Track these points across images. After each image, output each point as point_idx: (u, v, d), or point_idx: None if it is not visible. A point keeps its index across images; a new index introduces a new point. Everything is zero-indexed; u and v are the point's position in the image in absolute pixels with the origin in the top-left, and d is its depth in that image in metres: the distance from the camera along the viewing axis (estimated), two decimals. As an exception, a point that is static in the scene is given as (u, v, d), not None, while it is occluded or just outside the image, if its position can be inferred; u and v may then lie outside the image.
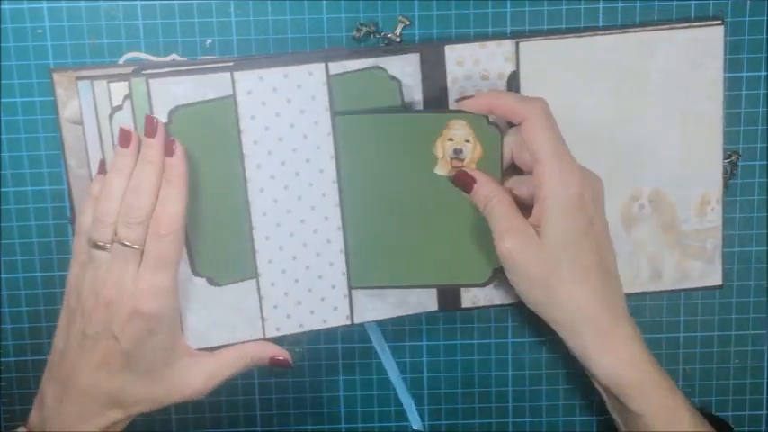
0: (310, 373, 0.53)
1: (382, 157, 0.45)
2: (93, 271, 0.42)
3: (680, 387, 0.51)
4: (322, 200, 0.46)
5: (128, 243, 0.41)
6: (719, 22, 0.47)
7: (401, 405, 0.53)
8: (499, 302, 0.50)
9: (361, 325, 0.49)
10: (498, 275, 0.45)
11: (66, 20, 0.48)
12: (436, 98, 0.47)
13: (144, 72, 0.43)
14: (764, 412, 0.53)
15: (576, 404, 0.53)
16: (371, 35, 0.48)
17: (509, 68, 0.47)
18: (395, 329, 0.52)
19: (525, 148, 0.42)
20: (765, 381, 0.53)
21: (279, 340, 0.47)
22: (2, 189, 0.50)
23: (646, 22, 0.48)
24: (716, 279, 0.50)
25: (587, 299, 0.42)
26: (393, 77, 0.46)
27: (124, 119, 0.43)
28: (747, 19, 0.49)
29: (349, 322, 0.48)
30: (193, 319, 0.46)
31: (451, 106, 0.47)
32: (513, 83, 0.47)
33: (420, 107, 0.47)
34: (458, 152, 0.45)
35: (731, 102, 0.50)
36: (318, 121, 0.46)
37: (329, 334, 0.52)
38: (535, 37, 0.47)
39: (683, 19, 0.48)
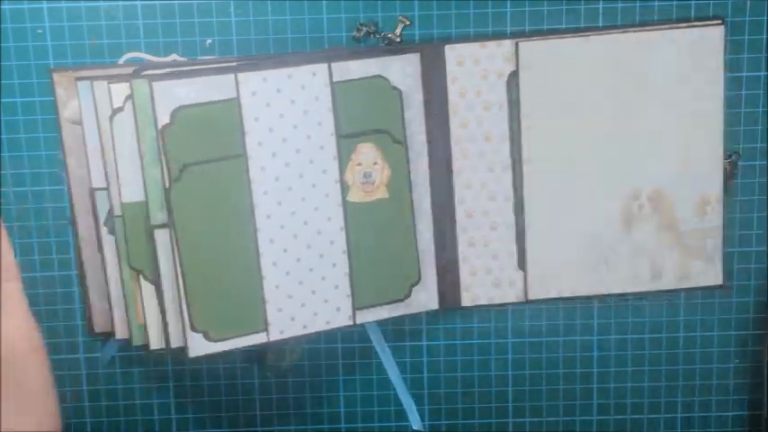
0: (310, 373, 0.53)
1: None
2: None
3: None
4: (325, 200, 0.46)
5: None
6: (719, 21, 0.47)
7: (401, 405, 0.53)
8: (499, 302, 0.50)
9: (362, 325, 0.49)
10: (416, 289, 0.48)
11: (66, 20, 0.48)
12: (436, 97, 0.47)
13: (145, 73, 0.43)
14: (764, 412, 0.53)
15: (576, 404, 0.53)
16: (371, 35, 0.48)
17: (509, 68, 0.47)
18: (395, 329, 0.52)
19: None
20: (765, 381, 0.52)
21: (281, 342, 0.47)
22: (2, 189, 0.49)
23: (645, 23, 0.48)
24: (716, 278, 0.50)
25: None
26: (394, 87, 0.46)
27: (125, 120, 0.43)
28: (747, 19, 0.49)
29: (351, 323, 0.48)
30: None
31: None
32: (512, 83, 0.47)
33: (421, 107, 0.47)
34: (367, 176, 0.46)
35: (731, 102, 0.50)
36: (322, 122, 0.46)
37: (329, 334, 0.52)
38: (534, 37, 0.47)
39: (683, 19, 0.48)
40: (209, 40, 0.48)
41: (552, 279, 0.50)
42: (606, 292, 0.50)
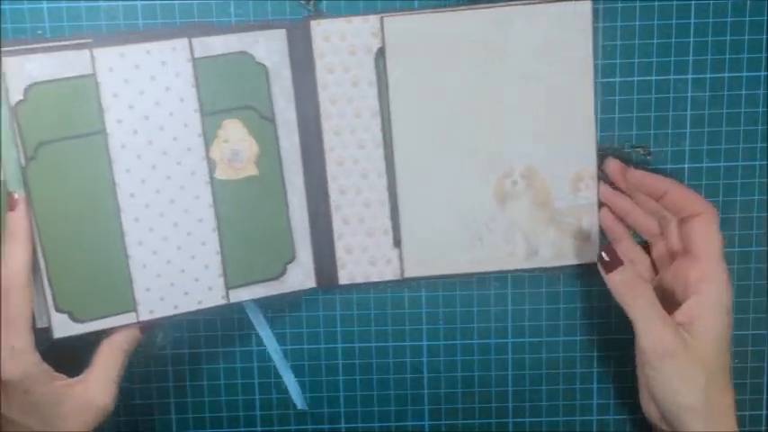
0: (310, 373, 0.53)
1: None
2: None
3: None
4: (191, 178, 0.46)
5: None
6: (587, -5, 0.47)
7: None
8: (376, 280, 0.50)
9: (239, 304, 0.49)
10: (291, 267, 0.48)
11: (66, 20, 0.48)
12: (304, 74, 0.47)
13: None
14: (764, 412, 0.53)
15: (576, 404, 0.53)
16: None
17: (376, 44, 0.47)
18: (395, 329, 0.52)
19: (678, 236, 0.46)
20: (765, 381, 0.52)
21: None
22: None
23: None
24: (592, 256, 0.49)
25: (731, 407, 0.44)
26: (259, 63, 0.46)
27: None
28: (747, 19, 0.49)
29: (225, 302, 0.48)
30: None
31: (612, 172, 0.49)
32: (380, 59, 0.47)
33: (289, 83, 0.47)
34: (235, 153, 0.45)
35: (731, 102, 0.50)
36: (184, 99, 0.45)
37: (329, 334, 0.52)
38: (399, 12, 0.47)
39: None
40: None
41: (428, 257, 0.49)
42: (482, 270, 0.50)
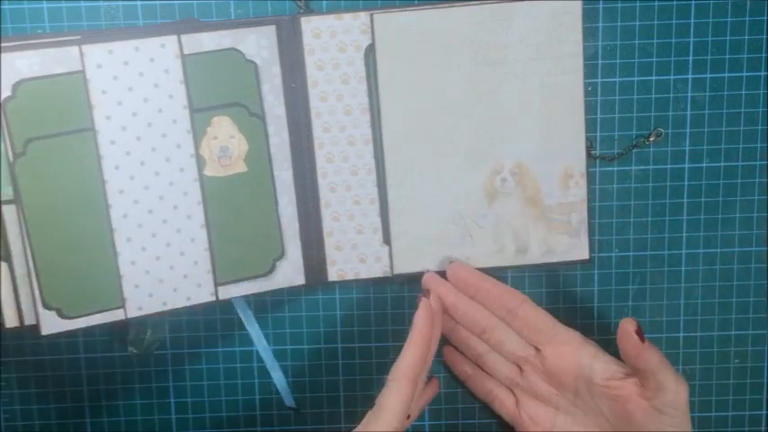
0: (310, 372, 0.52)
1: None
2: None
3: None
4: (180, 175, 0.46)
5: None
6: (577, -6, 0.47)
7: None
8: (365, 277, 0.50)
9: (228, 301, 0.49)
10: (280, 264, 0.48)
11: (66, 20, 0.48)
12: (294, 71, 0.47)
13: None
14: (764, 412, 0.53)
15: None
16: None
17: (366, 41, 0.47)
18: (395, 329, 0.52)
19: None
20: (765, 381, 0.52)
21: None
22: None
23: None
24: (582, 253, 0.50)
25: None
26: (249, 60, 0.46)
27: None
28: (747, 19, 0.49)
29: (214, 298, 0.48)
30: None
31: None
32: (369, 55, 0.47)
33: (278, 80, 0.47)
34: (224, 149, 0.45)
35: (731, 102, 0.50)
36: (173, 95, 0.45)
37: (329, 335, 0.52)
38: (389, 9, 0.47)
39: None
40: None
41: (417, 253, 0.49)
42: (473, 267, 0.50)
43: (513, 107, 0.48)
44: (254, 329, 0.51)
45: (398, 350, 0.51)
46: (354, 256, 0.50)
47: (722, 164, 0.50)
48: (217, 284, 0.48)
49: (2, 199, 0.44)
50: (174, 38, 0.45)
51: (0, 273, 0.46)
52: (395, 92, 0.47)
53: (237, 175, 0.47)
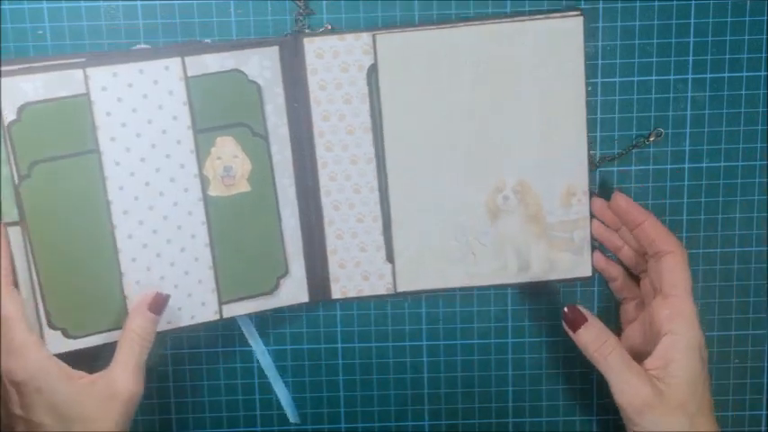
0: (310, 372, 0.53)
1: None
2: None
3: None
4: (184, 195, 0.46)
5: None
6: (578, 13, 0.47)
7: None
8: (369, 294, 0.50)
9: (232, 319, 0.49)
10: (284, 282, 0.48)
11: (66, 20, 0.48)
12: (297, 90, 0.47)
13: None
14: (764, 412, 0.53)
15: (575, 404, 0.53)
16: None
17: (368, 61, 0.47)
18: (395, 329, 0.52)
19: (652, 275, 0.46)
20: (765, 381, 0.53)
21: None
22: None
23: (502, 15, 0.48)
24: (585, 271, 0.50)
25: None
26: (252, 80, 0.46)
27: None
28: (747, 19, 0.49)
29: (218, 317, 0.48)
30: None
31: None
32: (372, 75, 0.47)
33: (281, 100, 0.47)
34: (228, 169, 0.46)
35: (731, 102, 0.50)
36: (177, 116, 0.45)
37: (329, 335, 0.52)
38: (391, 30, 0.47)
39: (540, 10, 0.48)
40: (208, 41, 0.48)
41: (420, 271, 0.50)
42: (474, 285, 0.50)
43: (516, 126, 0.48)
44: (258, 347, 0.52)
45: (399, 366, 0.51)
46: (358, 274, 0.50)
47: (722, 164, 0.51)
48: (221, 303, 0.48)
49: (6, 221, 0.44)
50: (177, 60, 0.45)
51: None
52: (397, 111, 0.48)
53: (241, 195, 0.47)
